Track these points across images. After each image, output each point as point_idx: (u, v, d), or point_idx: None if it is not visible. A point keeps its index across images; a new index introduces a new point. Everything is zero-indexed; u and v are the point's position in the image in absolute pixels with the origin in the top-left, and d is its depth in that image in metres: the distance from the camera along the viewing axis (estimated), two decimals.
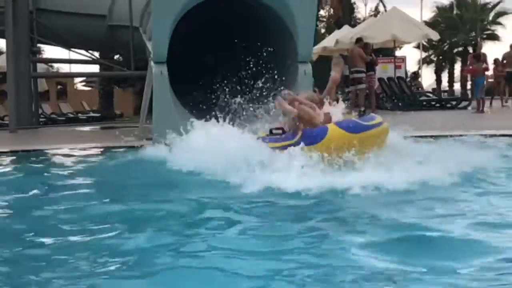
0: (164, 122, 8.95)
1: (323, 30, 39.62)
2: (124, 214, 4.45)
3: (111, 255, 3.42)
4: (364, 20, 33.51)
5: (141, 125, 11.14)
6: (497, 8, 41.09)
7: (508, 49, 19.78)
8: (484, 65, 16.89)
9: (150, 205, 4.75)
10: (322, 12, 37.34)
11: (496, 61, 19.29)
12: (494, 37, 39.96)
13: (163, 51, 9.32)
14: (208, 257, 3.27)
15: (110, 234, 3.87)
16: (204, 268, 3.08)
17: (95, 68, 23.77)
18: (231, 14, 11.07)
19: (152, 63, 9.72)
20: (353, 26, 27.88)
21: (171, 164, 6.26)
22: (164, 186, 5.58)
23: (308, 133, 5.14)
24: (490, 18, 41.35)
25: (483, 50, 19.16)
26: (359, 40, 18.30)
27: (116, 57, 24.20)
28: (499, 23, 41.13)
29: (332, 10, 35.84)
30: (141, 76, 14.49)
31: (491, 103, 17.99)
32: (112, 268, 3.21)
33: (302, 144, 5.04)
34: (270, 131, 5.80)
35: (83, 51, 17.99)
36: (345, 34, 23.76)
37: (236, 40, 10.61)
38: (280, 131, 5.68)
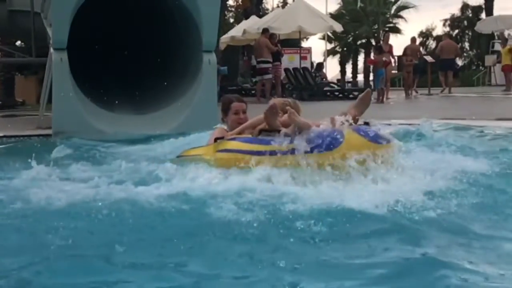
0: (64, 111, 8.79)
1: (231, 20, 39.78)
2: None
3: None
4: (272, 10, 33.88)
5: (41, 114, 10.86)
6: (399, 2, 42.75)
7: (409, 42, 20.54)
8: (384, 58, 17.35)
9: None
10: (230, 2, 37.47)
11: (405, 50, 19.86)
12: (395, 30, 41.42)
13: (63, 38, 9.09)
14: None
15: None
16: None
17: None
18: (135, 2, 10.93)
19: (52, 50, 9.47)
20: (260, 16, 28.13)
21: None
22: None
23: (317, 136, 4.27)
24: (392, 11, 42.93)
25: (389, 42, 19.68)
26: (265, 30, 18.57)
27: (18, 43, 23.35)
28: (401, 17, 42.78)
29: (240, 0, 35.98)
30: (44, 64, 14.08)
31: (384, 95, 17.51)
32: None
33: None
34: (215, 140, 5.19)
35: None
36: (252, 24, 23.97)
37: (139, 29, 10.50)
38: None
